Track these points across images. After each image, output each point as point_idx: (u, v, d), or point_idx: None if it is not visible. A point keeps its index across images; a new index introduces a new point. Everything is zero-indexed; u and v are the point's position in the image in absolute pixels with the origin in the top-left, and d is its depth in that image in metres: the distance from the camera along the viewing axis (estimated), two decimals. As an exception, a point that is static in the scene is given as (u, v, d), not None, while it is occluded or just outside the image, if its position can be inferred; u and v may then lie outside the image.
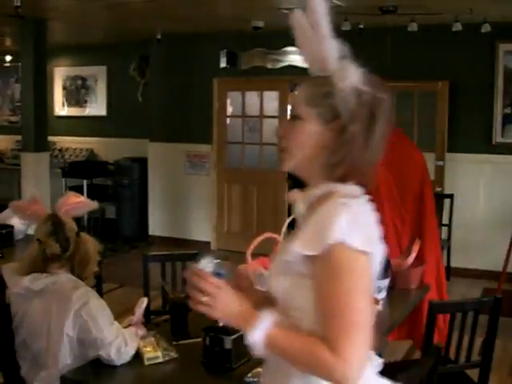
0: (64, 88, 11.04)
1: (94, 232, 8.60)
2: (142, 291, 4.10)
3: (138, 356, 2.85)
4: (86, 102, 10.87)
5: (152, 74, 9.63)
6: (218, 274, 1.76)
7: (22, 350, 3.07)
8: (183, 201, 9.41)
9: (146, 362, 2.81)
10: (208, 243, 9.14)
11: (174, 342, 3.00)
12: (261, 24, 7.57)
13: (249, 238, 3.67)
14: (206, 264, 1.77)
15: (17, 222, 4.89)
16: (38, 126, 8.04)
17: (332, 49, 1.72)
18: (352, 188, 1.71)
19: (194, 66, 9.15)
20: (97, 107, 10.74)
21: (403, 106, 7.68)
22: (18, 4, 6.45)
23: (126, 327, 2.98)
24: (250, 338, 1.64)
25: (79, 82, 10.91)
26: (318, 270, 1.63)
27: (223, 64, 8.85)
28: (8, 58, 10.98)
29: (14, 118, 11.42)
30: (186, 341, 3.04)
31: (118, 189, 9.76)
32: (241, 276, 3.16)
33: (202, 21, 7.82)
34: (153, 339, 2.96)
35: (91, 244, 3.16)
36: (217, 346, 2.70)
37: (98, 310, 2.90)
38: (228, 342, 2.68)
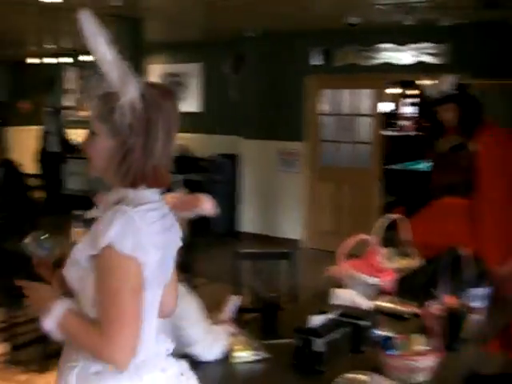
0: (160, 85, 11.21)
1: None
2: (232, 287, 4.10)
3: (227, 354, 2.83)
4: (180, 98, 11.02)
5: (246, 72, 9.66)
6: (43, 249, 2.08)
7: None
8: (274, 198, 9.40)
9: (236, 361, 2.79)
10: (298, 241, 9.11)
11: (264, 342, 2.96)
12: (357, 20, 7.45)
13: (340, 238, 3.62)
14: (33, 238, 2.07)
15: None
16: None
17: (113, 64, 1.87)
18: (142, 194, 1.88)
19: (287, 64, 9.13)
20: (191, 104, 10.87)
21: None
22: (119, 4, 6.60)
23: (216, 324, 2.97)
24: (44, 325, 1.86)
25: (174, 79, 11.07)
26: (94, 268, 1.82)
27: (316, 61, 8.79)
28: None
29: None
30: (277, 341, 3.00)
31: (211, 185, 9.83)
32: None
33: (295, 18, 7.78)
34: (243, 338, 2.93)
35: None
36: (308, 348, 2.65)
37: (189, 307, 2.90)
38: (319, 345, 2.62)
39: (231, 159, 9.83)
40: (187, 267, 3.22)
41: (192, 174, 10.17)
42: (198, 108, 10.82)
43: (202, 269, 6.66)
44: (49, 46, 10.60)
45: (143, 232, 1.81)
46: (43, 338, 4.97)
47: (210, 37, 9.79)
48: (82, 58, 11.46)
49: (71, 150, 11.58)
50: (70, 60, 11.83)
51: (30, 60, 12.09)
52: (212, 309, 3.15)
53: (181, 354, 2.83)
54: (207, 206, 3.10)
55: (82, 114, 12.52)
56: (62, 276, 1.96)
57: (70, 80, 12.90)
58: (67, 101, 12.97)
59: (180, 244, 2.04)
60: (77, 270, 1.88)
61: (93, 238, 1.82)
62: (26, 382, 4.80)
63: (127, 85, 1.85)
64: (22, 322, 5.40)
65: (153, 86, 1.93)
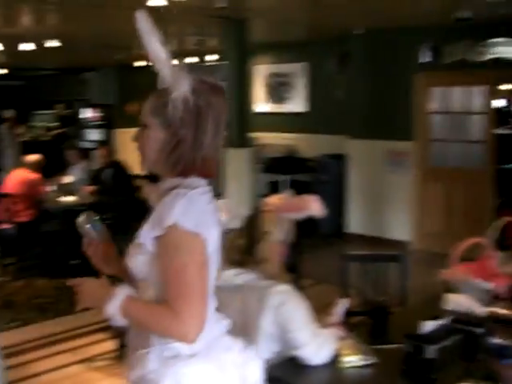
0: (265, 85, 11.28)
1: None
2: (339, 290, 4.04)
3: (335, 358, 2.78)
4: (286, 98, 11.02)
5: (352, 71, 9.55)
6: (94, 229, 2.17)
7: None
8: (382, 199, 9.26)
9: (344, 365, 2.74)
10: (406, 243, 8.91)
11: (373, 346, 2.89)
12: (467, 15, 7.21)
13: (450, 240, 3.50)
14: (85, 219, 2.17)
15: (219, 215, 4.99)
16: (240, 122, 8.25)
17: (166, 62, 2.02)
18: (192, 180, 2.00)
19: (394, 61, 8.96)
20: (297, 104, 10.86)
21: None
22: (224, 5, 6.66)
23: (323, 327, 2.93)
24: (107, 311, 1.93)
25: (280, 79, 11.09)
26: (159, 248, 1.93)
27: (425, 58, 8.58)
28: (212, 57, 11.39)
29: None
30: (386, 346, 2.93)
31: (317, 185, 9.77)
32: None
33: (402, 14, 7.62)
34: (351, 342, 2.88)
35: (272, 248, 3.12)
36: (419, 355, 2.56)
37: (297, 309, 2.87)
38: (431, 351, 2.53)
39: (338, 159, 9.74)
40: (294, 268, 3.19)
41: (299, 174, 10.15)
42: (304, 108, 10.80)
43: (309, 270, 6.62)
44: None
45: (204, 210, 1.94)
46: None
47: (315, 36, 9.75)
48: (187, 60, 11.68)
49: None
50: (175, 62, 12.05)
51: (136, 63, 12.40)
52: (319, 311, 3.10)
53: (288, 357, 2.81)
54: (315, 207, 3.07)
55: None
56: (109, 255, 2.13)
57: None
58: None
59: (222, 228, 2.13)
60: (142, 254, 1.98)
61: (156, 221, 1.93)
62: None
63: (179, 80, 1.98)
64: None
65: (203, 81, 2.04)
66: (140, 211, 6.98)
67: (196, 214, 1.91)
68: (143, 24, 2.02)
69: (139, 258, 2.00)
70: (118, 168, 8.65)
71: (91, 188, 8.29)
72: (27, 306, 6.46)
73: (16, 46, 9.01)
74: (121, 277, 2.18)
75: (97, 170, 8.90)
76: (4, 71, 15.01)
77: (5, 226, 7.51)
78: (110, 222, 7.81)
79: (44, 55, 10.13)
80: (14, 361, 4.69)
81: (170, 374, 1.97)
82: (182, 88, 1.97)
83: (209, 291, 1.99)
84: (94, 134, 13.71)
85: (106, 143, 11.00)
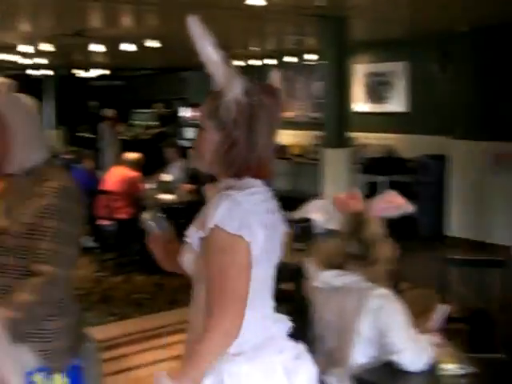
0: (364, 84, 11.13)
1: (390, 230, 8.50)
2: (438, 294, 3.92)
3: (433, 365, 2.69)
4: (385, 98, 10.85)
5: (454, 70, 9.29)
6: (158, 226, 2.25)
7: (317, 344, 3.08)
8: (485, 201, 8.94)
9: (441, 373, 2.65)
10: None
11: (473, 355, 2.77)
12: None
13: None
14: (149, 216, 2.25)
15: (316, 216, 4.94)
16: (338, 122, 8.16)
17: (219, 64, 2.02)
18: (246, 181, 2.01)
19: (498, 60, 8.65)
20: (397, 103, 10.67)
21: None
22: (323, 4, 6.60)
23: (422, 333, 2.84)
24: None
25: (379, 78, 10.93)
26: (204, 249, 1.97)
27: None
28: (310, 56, 11.34)
29: (315, 115, 11.79)
30: (486, 355, 2.80)
31: (417, 186, 9.55)
32: None
33: (508, 10, 7.34)
34: (450, 349, 2.77)
35: (387, 248, 3.06)
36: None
37: (395, 314, 2.80)
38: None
39: (439, 160, 9.49)
40: (392, 272, 3.12)
41: (398, 175, 9.94)
42: (404, 108, 10.59)
43: (407, 273, 6.46)
44: (253, 48, 10.87)
45: (249, 212, 1.95)
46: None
47: (416, 34, 9.54)
48: (286, 59, 11.67)
49: (277, 151, 11.79)
50: (274, 61, 12.07)
51: (235, 63, 12.47)
52: (417, 315, 3.01)
53: (384, 362, 2.73)
54: (401, 202, 3.03)
55: (288, 115, 12.73)
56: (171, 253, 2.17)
57: (275, 81, 13.13)
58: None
59: (285, 229, 2.16)
60: (190, 254, 2.03)
61: (201, 222, 1.97)
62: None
63: (232, 83, 1.99)
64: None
65: (255, 83, 2.06)
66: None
67: (239, 217, 1.93)
68: (195, 28, 2.05)
69: (188, 257, 2.05)
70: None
71: (189, 186, 8.38)
72: (125, 301, 6.59)
73: (117, 47, 9.25)
74: (181, 273, 2.22)
75: (195, 168, 8.97)
76: (105, 71, 15.45)
77: (104, 222, 7.70)
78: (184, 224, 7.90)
79: (144, 55, 10.34)
80: (109, 354, 4.77)
81: (213, 372, 1.96)
82: (234, 90, 1.98)
83: (259, 291, 2.02)
84: (192, 133, 13.90)
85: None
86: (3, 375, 2.15)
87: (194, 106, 14.14)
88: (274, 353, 2.06)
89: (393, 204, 3.16)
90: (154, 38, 8.36)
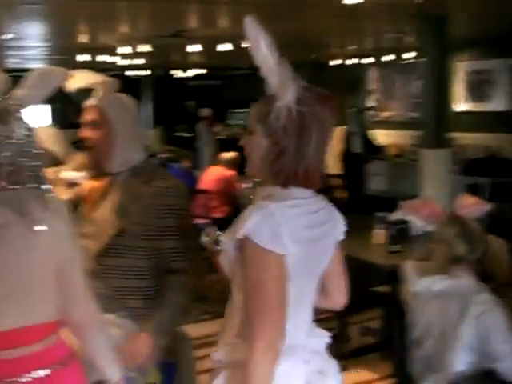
0: (465, 83, 10.82)
1: (490, 233, 8.19)
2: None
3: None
4: (487, 96, 10.51)
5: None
6: (217, 243, 2.30)
7: (415, 348, 3.02)
8: None
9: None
10: None
11: None
12: None
13: None
14: (208, 234, 2.34)
15: (414, 218, 4.84)
16: (437, 122, 7.94)
17: (273, 68, 1.93)
18: (288, 192, 1.96)
19: None
20: (499, 102, 10.33)
21: None
22: (421, 1, 6.44)
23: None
24: None
25: (481, 76, 10.60)
26: (238, 256, 1.95)
27: None
28: (408, 55, 11.13)
29: (413, 114, 11.56)
30: None
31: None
32: None
33: None
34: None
35: (499, 244, 2.96)
36: None
37: (498, 321, 2.70)
38: None
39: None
40: (490, 277, 3.00)
41: (501, 177, 9.58)
42: (508, 106, 10.22)
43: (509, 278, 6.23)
44: (351, 47, 10.77)
45: (280, 225, 1.88)
46: (340, 337, 5.00)
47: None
48: (383, 57, 11.50)
49: (374, 151, 11.64)
50: (372, 60, 11.91)
51: (332, 62, 12.39)
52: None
53: (484, 370, 2.63)
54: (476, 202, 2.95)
55: (385, 114, 12.55)
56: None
57: (373, 80, 13.00)
58: (370, 101, 13.08)
59: (339, 238, 2.13)
60: (227, 259, 2.01)
61: (234, 230, 1.94)
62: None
63: (285, 88, 1.92)
64: (318, 320, 5.48)
65: (310, 90, 1.97)
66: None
67: (270, 229, 1.87)
68: (251, 29, 1.97)
69: (228, 263, 2.02)
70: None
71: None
72: (220, 299, 6.60)
73: (214, 47, 9.33)
74: None
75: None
76: (202, 71, 15.63)
77: (201, 221, 7.77)
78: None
79: (240, 55, 10.41)
80: (202, 352, 4.80)
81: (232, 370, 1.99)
82: (286, 97, 1.91)
83: (293, 304, 1.97)
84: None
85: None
86: (102, 368, 2.18)
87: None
88: (299, 362, 2.02)
89: (473, 205, 3.05)
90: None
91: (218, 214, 7.72)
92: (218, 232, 2.32)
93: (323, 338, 2.16)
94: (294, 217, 1.93)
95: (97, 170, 2.73)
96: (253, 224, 1.87)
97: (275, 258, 1.89)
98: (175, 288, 2.58)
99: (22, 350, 1.94)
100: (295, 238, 1.91)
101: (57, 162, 3.45)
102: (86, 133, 2.67)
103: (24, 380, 1.93)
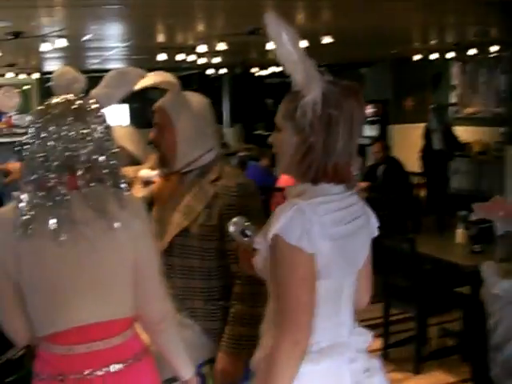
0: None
1: None
2: None
3: None
4: None
5: None
6: (244, 234, 2.19)
7: (494, 352, 2.91)
8: None
9: None
10: None
11: None
12: None
13: None
14: (235, 222, 2.20)
15: (496, 217, 4.69)
16: (523, 117, 7.66)
17: (298, 64, 1.91)
18: (321, 188, 1.94)
19: None
20: None
21: None
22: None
23: None
24: None
25: None
26: (270, 256, 1.93)
27: None
28: (493, 48, 10.79)
29: (498, 110, 11.21)
30: None
31: None
32: None
33: None
34: None
35: None
36: None
37: None
38: None
39: None
40: None
41: None
42: None
43: None
44: (433, 42, 10.53)
45: (312, 222, 1.86)
46: (418, 338, 4.89)
47: None
48: (467, 51, 11.19)
49: (458, 148, 11.34)
50: (454, 55, 11.61)
51: (415, 57, 12.14)
52: None
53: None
54: None
55: (468, 110, 12.22)
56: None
57: (456, 75, 12.67)
58: (453, 97, 12.76)
59: (374, 234, 2.11)
60: (261, 259, 2.00)
61: (266, 229, 1.92)
62: (399, 381, 4.73)
63: (311, 84, 1.90)
64: (397, 320, 5.40)
65: (336, 84, 1.95)
66: (414, 209, 6.80)
67: (301, 227, 1.86)
68: (273, 25, 1.95)
69: (260, 262, 2.01)
70: (392, 164, 8.50)
71: (364, 184, 8.25)
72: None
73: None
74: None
75: (371, 165, 8.87)
76: (280, 69, 15.56)
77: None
78: (381, 219, 7.75)
79: (318, 52, 10.33)
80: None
81: None
82: (312, 92, 1.89)
83: (326, 303, 1.96)
84: (369, 130, 13.71)
85: (380, 139, 10.89)
86: (174, 365, 2.22)
87: (371, 102, 13.94)
88: (344, 361, 2.00)
89: None
90: (327, 33, 8.30)
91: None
92: (247, 223, 2.21)
93: (366, 336, 2.12)
94: (325, 213, 1.91)
95: (164, 169, 2.76)
96: (283, 222, 1.86)
97: (304, 257, 1.87)
98: (239, 297, 2.55)
99: (98, 344, 1.98)
100: (327, 235, 1.89)
101: (134, 161, 3.50)
102: (152, 134, 2.72)
103: (99, 373, 1.97)
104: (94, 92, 2.07)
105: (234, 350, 2.52)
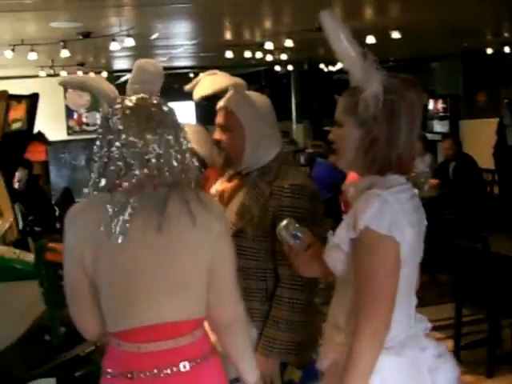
0: None
1: None
2: None
3: None
4: None
5: None
6: (295, 236, 2.21)
7: None
8: None
9: None
10: None
11: None
12: None
13: None
14: (286, 225, 2.21)
15: None
16: None
17: (356, 60, 1.97)
18: (390, 178, 1.98)
19: None
20: None
21: None
22: None
23: None
24: None
25: None
26: (353, 249, 1.96)
27: None
28: None
29: None
30: None
31: None
32: None
33: None
34: None
35: None
36: None
37: None
38: None
39: None
40: None
41: None
42: None
43: None
44: (507, 34, 10.25)
45: (398, 211, 1.91)
46: (491, 341, 4.76)
47: None
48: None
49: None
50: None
51: (487, 50, 11.83)
52: None
53: None
54: None
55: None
56: (313, 260, 2.19)
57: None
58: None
59: (426, 223, 2.10)
60: (338, 253, 2.01)
61: (350, 222, 1.94)
62: (470, 384, 4.63)
63: (370, 78, 1.94)
64: (469, 321, 5.27)
65: (395, 76, 1.99)
66: (487, 207, 6.59)
67: (389, 217, 1.90)
68: (329, 22, 2.01)
69: (336, 258, 2.03)
70: (464, 161, 8.29)
71: (435, 181, 8.08)
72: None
73: (360, 40, 9.12)
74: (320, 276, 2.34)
75: (442, 162, 8.70)
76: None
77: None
78: (452, 217, 7.58)
79: (387, 47, 10.19)
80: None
81: None
82: (372, 86, 1.94)
83: (405, 292, 2.00)
84: (439, 126, 13.44)
85: (451, 135, 10.66)
86: (241, 367, 2.21)
87: (441, 97, 13.67)
88: (418, 350, 2.04)
89: None
90: (395, 28, 8.18)
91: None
92: (297, 225, 2.21)
93: (426, 322, 2.16)
94: (405, 201, 1.96)
95: (229, 170, 2.76)
96: (371, 213, 1.89)
97: (393, 247, 1.91)
98: (278, 300, 2.52)
99: (167, 342, 1.98)
100: (409, 222, 1.94)
101: (201, 160, 3.44)
102: (217, 135, 2.69)
103: (168, 372, 1.97)
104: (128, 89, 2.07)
105: (265, 351, 2.51)
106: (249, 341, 2.23)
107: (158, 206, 1.92)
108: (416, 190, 2.07)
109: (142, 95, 2.01)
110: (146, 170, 1.92)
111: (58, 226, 7.50)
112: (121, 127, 1.93)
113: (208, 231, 2.00)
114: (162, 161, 1.93)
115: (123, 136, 1.92)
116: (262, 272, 2.57)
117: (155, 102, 2.00)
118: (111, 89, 2.16)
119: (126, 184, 1.93)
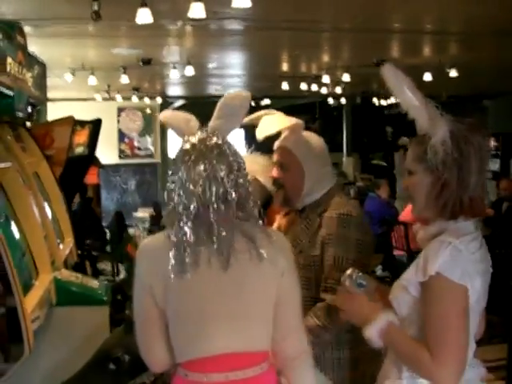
0: None
1: None
2: None
3: None
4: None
5: None
6: (359, 285, 2.20)
7: None
8: None
9: None
10: None
11: None
12: None
13: None
14: (350, 275, 2.21)
15: None
16: None
17: (420, 109, 2.05)
18: (460, 225, 2.01)
19: None
20: None
21: None
22: None
23: None
24: (367, 332, 2.06)
25: None
26: (423, 294, 1.98)
27: None
28: None
29: None
30: None
31: None
32: None
33: None
34: None
35: None
36: None
37: None
38: None
39: None
40: None
41: None
42: None
43: None
44: None
45: (469, 260, 1.94)
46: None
47: None
48: None
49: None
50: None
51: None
52: None
53: None
54: None
55: None
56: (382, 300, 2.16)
57: None
58: None
59: (491, 271, 2.10)
60: (405, 296, 2.04)
61: (421, 266, 1.97)
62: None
63: (436, 125, 2.01)
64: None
65: (460, 121, 2.03)
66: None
67: (461, 265, 1.93)
68: (391, 74, 2.07)
69: (403, 299, 2.06)
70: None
71: (491, 211, 7.96)
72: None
73: (418, 76, 9.12)
74: None
75: (495, 201, 8.63)
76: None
77: (399, 252, 7.61)
78: (506, 257, 7.45)
79: (442, 84, 10.16)
80: None
81: None
82: (439, 132, 1.99)
83: (468, 339, 2.00)
84: (490, 164, 13.29)
85: (504, 174, 10.54)
86: None
87: (494, 135, 13.54)
88: None
89: None
90: (452, 66, 8.16)
91: (417, 246, 7.49)
92: (360, 274, 2.22)
93: (481, 368, 2.15)
94: (475, 251, 1.99)
95: (286, 207, 2.82)
96: (444, 260, 1.92)
97: (462, 294, 1.95)
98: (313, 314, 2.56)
99: (236, 373, 2.00)
100: (478, 271, 1.98)
101: (265, 192, 3.34)
102: (275, 172, 2.74)
103: None
104: (211, 125, 2.07)
105: None
106: (313, 376, 2.22)
107: (226, 240, 1.96)
108: (483, 239, 2.07)
109: (204, 135, 2.03)
110: (215, 206, 1.95)
111: (108, 249, 7.55)
112: (194, 167, 1.97)
113: (274, 267, 2.02)
114: (229, 198, 1.97)
115: (192, 174, 1.96)
116: (312, 301, 2.59)
117: (215, 139, 2.02)
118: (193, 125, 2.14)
119: (204, 218, 1.96)
